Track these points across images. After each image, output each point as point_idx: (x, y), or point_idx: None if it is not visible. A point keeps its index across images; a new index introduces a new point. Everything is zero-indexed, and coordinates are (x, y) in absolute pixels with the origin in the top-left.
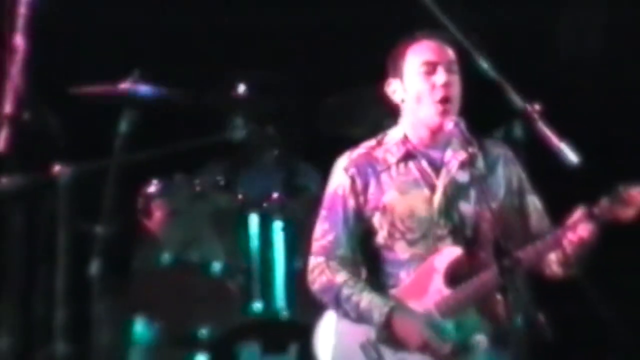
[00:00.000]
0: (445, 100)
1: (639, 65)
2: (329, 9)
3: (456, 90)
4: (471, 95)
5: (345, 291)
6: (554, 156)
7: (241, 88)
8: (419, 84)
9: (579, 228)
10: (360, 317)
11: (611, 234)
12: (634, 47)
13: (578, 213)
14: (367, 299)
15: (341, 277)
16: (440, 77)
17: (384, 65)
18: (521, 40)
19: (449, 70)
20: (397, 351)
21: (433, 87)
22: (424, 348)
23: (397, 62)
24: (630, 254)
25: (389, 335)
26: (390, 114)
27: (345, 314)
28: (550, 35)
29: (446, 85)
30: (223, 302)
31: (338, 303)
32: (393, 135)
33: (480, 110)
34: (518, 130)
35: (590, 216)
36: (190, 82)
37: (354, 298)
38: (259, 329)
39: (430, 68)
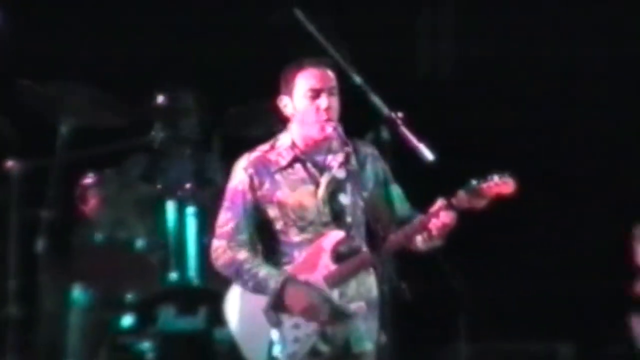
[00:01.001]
0: (327, 121)
1: (484, 86)
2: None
3: (335, 108)
4: (347, 105)
5: (246, 265)
6: (413, 154)
7: (160, 99)
8: (306, 106)
9: (441, 215)
10: (258, 286)
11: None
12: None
13: (439, 202)
14: (264, 271)
15: (242, 255)
16: (323, 101)
17: (275, 84)
18: (387, 64)
19: (330, 94)
20: (292, 316)
21: (317, 109)
22: (308, 312)
23: (288, 84)
24: (479, 234)
25: (280, 301)
26: (280, 121)
27: (244, 285)
28: (410, 60)
29: (328, 108)
30: (145, 272)
31: (239, 275)
32: (283, 140)
33: (354, 117)
34: (385, 134)
35: (449, 206)
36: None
37: (253, 270)
38: (175, 294)
39: (315, 94)
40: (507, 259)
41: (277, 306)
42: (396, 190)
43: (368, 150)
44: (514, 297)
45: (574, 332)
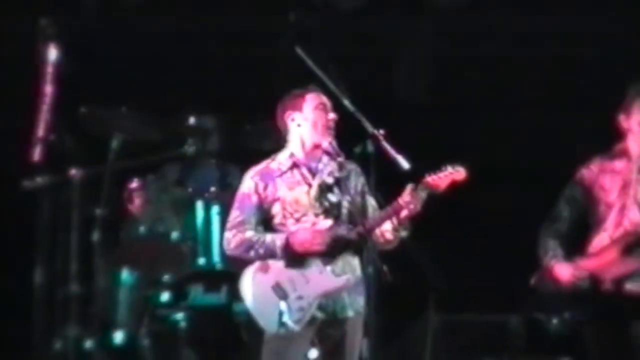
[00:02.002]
0: (332, 127)
1: (454, 107)
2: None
3: (334, 125)
4: (340, 123)
5: (254, 238)
6: (393, 164)
7: (191, 120)
8: (317, 115)
9: (409, 203)
10: (268, 250)
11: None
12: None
13: (406, 190)
14: (270, 236)
15: (249, 233)
16: (331, 114)
17: (274, 107)
18: (369, 88)
19: (332, 111)
20: (296, 289)
21: (327, 118)
22: (313, 242)
23: (297, 101)
24: (445, 228)
25: (290, 251)
26: (282, 138)
27: (257, 254)
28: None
29: (334, 119)
30: (178, 258)
31: (250, 248)
32: (283, 154)
33: (345, 134)
34: (370, 147)
35: (414, 190)
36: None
37: (261, 240)
38: (202, 276)
39: (324, 107)
40: (468, 246)
41: (290, 259)
42: (370, 202)
43: (352, 166)
44: (474, 277)
45: (523, 306)
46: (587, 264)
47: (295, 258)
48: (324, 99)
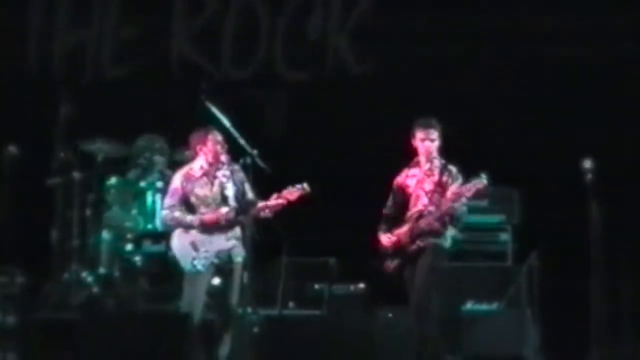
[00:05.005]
0: (224, 152)
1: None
2: None
3: (224, 152)
4: (232, 146)
5: (180, 217)
6: (261, 169)
7: (143, 142)
8: (213, 150)
9: (274, 202)
10: (190, 224)
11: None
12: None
13: (274, 196)
14: (189, 217)
15: (177, 213)
16: (220, 147)
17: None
18: (247, 122)
19: (223, 144)
20: (204, 245)
21: (216, 151)
22: (216, 220)
23: (200, 139)
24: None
25: (202, 225)
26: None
27: (181, 226)
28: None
29: (223, 149)
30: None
31: (178, 223)
32: (196, 164)
33: (235, 151)
34: (248, 159)
35: (278, 197)
36: None
37: (185, 218)
38: (150, 235)
39: (218, 143)
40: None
41: (201, 225)
42: (250, 194)
43: (240, 172)
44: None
45: (340, 251)
46: (396, 232)
47: (205, 230)
48: (219, 137)
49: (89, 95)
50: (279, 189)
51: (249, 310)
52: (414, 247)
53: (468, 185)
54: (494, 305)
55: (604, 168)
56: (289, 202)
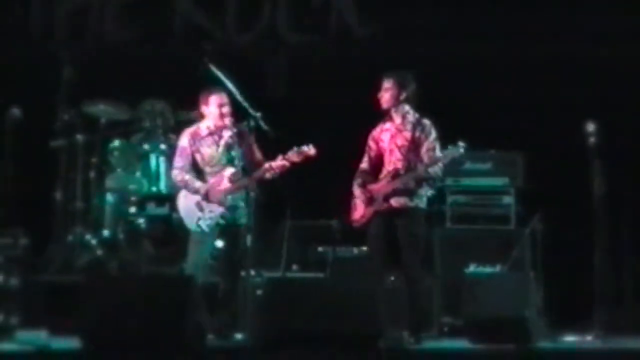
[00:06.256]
0: (224, 116)
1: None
2: None
3: (229, 112)
4: (236, 108)
5: (190, 181)
6: (265, 131)
7: (148, 106)
8: (218, 110)
9: (279, 164)
10: (196, 190)
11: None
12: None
13: (278, 157)
14: (198, 184)
15: (187, 176)
16: (225, 108)
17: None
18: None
19: (228, 105)
20: (209, 206)
21: (222, 111)
22: (219, 193)
23: (207, 99)
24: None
25: (206, 194)
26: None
27: (189, 189)
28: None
29: (228, 112)
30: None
31: (186, 186)
32: (203, 124)
33: (237, 113)
34: (252, 122)
35: (283, 159)
36: None
37: (194, 184)
38: (154, 197)
39: (221, 104)
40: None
41: (205, 196)
42: (257, 150)
43: (245, 131)
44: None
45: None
46: (370, 188)
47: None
48: (223, 98)
49: (91, 58)
50: (283, 151)
51: (252, 272)
52: (385, 205)
53: (445, 152)
54: (497, 268)
55: (608, 130)
56: (294, 164)
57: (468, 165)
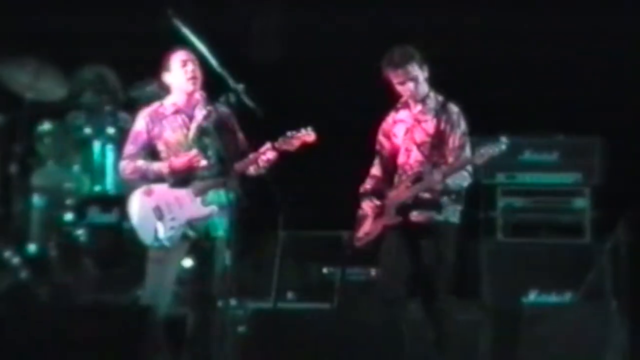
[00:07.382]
0: (190, 79)
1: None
2: None
3: (199, 78)
4: (211, 80)
5: (144, 166)
6: (250, 110)
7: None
8: (179, 72)
9: (267, 153)
10: (157, 174)
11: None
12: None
13: (267, 145)
14: (157, 164)
15: (140, 162)
16: (191, 67)
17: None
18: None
19: (196, 66)
20: (171, 212)
21: (185, 72)
22: (189, 163)
23: (167, 61)
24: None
25: (173, 174)
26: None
27: (147, 178)
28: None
29: (197, 75)
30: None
31: (143, 174)
32: (168, 101)
33: (212, 87)
34: (232, 98)
35: (272, 147)
36: None
37: (150, 167)
38: (98, 200)
39: (183, 63)
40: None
41: (175, 181)
42: (240, 135)
43: (224, 110)
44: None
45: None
46: (388, 194)
47: (178, 180)
48: (188, 54)
49: (16, 9)
50: (274, 135)
51: (233, 302)
52: (398, 219)
53: (481, 151)
54: (567, 296)
55: None
56: (288, 154)
57: (527, 156)
